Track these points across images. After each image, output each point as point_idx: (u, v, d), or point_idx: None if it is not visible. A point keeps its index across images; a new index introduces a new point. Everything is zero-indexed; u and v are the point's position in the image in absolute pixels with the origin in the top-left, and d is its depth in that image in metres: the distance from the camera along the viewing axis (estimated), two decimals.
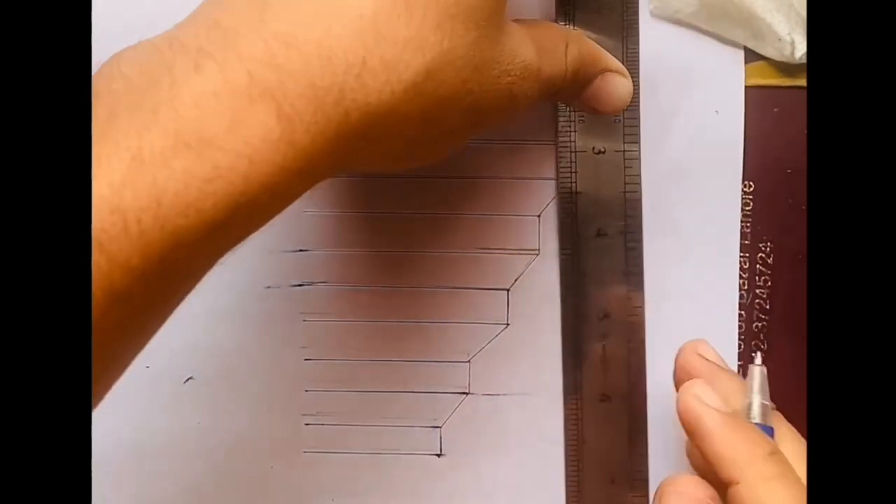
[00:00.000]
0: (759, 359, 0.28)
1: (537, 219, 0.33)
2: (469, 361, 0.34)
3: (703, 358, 0.30)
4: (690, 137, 0.33)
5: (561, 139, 0.32)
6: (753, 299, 0.33)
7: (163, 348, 0.33)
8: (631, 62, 0.32)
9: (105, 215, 0.20)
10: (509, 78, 0.25)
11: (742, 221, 0.33)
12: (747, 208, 0.33)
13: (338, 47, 0.22)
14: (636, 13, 0.32)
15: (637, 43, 0.32)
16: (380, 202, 0.33)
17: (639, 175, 0.32)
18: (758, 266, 0.33)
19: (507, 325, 0.33)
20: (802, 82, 0.32)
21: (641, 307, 0.33)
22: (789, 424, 0.29)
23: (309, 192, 0.23)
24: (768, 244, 0.33)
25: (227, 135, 0.21)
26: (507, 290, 0.33)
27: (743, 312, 0.33)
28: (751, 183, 0.33)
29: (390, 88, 0.22)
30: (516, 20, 0.26)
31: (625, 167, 0.32)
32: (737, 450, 0.26)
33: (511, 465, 0.34)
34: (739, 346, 0.33)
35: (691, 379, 0.28)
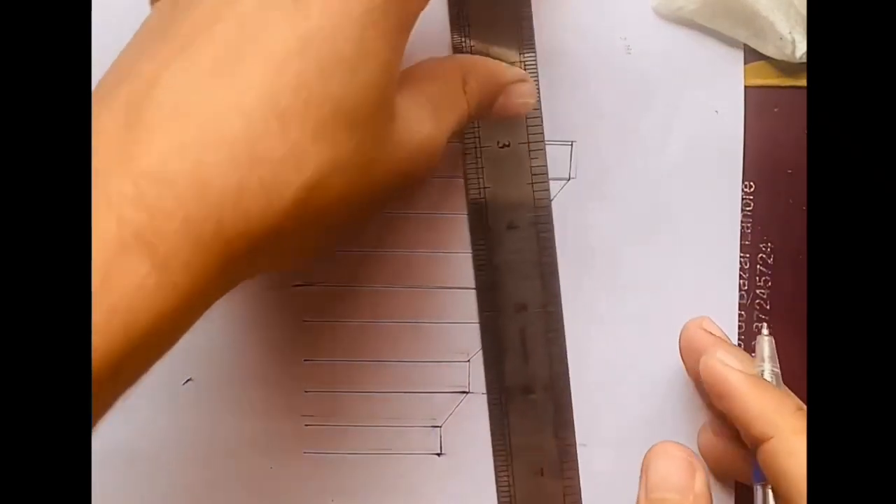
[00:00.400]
0: (766, 329, 0.30)
1: None
2: (468, 361, 0.34)
3: (708, 332, 0.31)
4: (690, 137, 0.33)
5: (466, 136, 0.32)
6: (753, 299, 0.33)
7: None
8: (529, 67, 0.32)
9: None
10: (404, 163, 0.24)
11: (742, 222, 0.33)
12: (748, 208, 0.33)
13: (211, 175, 0.20)
14: (530, 20, 0.32)
15: (533, 48, 0.32)
16: None
17: (545, 165, 0.32)
18: (758, 266, 0.33)
19: None
20: (802, 82, 0.32)
21: (558, 297, 0.33)
22: (792, 394, 0.29)
23: None
24: (769, 244, 0.33)
25: (99, 290, 0.19)
26: None
27: (743, 312, 0.33)
28: (751, 183, 0.33)
29: (272, 210, 0.21)
30: (407, 72, 0.25)
31: (530, 158, 0.32)
32: (767, 406, 0.26)
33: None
34: (739, 345, 0.33)
35: (696, 351, 0.29)
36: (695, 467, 0.28)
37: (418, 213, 0.33)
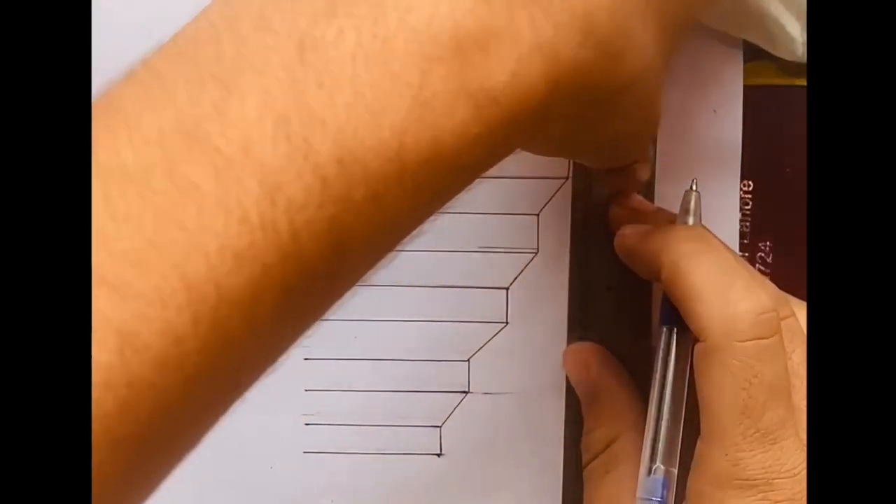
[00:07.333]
0: (695, 185, 0.30)
1: (536, 218, 0.33)
2: (468, 361, 0.34)
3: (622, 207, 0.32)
4: (689, 137, 0.33)
5: None
6: None
7: None
8: None
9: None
10: None
11: (741, 221, 0.33)
12: (746, 208, 0.33)
13: None
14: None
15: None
16: None
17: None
18: (757, 265, 0.33)
19: (507, 324, 0.34)
20: (801, 82, 0.33)
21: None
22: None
23: None
24: (767, 243, 0.33)
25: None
26: (507, 290, 0.33)
27: None
28: (749, 182, 0.33)
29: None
30: None
31: None
32: (655, 245, 0.28)
33: (510, 464, 0.34)
34: None
35: (620, 227, 0.30)
36: (588, 362, 0.32)
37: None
